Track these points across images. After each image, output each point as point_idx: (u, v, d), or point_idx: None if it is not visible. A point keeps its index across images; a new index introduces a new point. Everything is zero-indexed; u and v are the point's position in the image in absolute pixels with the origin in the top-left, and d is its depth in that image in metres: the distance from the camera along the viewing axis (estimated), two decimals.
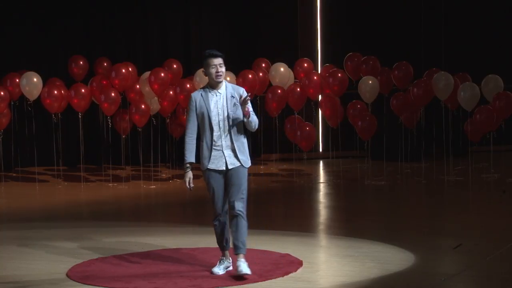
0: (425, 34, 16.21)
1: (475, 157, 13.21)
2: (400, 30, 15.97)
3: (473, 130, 12.41)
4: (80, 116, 12.86)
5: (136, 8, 15.26)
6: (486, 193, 11.64)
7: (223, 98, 6.56)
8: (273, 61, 13.25)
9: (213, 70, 6.54)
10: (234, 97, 6.57)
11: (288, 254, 7.35)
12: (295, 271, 6.80)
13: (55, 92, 12.51)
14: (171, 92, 12.67)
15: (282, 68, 13.08)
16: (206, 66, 6.57)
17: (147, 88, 12.67)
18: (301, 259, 7.17)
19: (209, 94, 6.56)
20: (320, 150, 15.99)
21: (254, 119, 6.56)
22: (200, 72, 12.63)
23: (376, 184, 12.36)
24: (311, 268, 6.94)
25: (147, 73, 12.74)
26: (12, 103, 12.78)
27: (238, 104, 6.53)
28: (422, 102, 12.62)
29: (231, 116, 6.53)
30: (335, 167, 14.36)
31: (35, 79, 12.54)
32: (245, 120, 6.53)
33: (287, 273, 6.71)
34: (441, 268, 6.97)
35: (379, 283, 6.46)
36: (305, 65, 13.47)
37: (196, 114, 6.56)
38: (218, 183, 6.61)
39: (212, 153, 6.56)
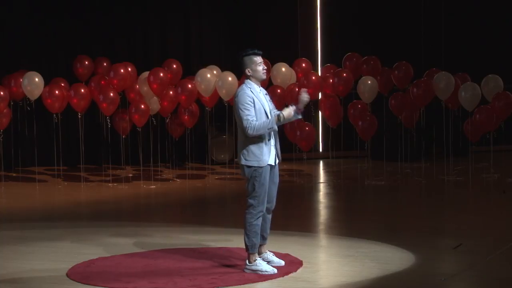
0: (425, 34, 16.22)
1: (475, 157, 13.21)
2: (400, 30, 15.97)
3: (473, 130, 12.41)
4: (80, 116, 12.86)
5: (136, 8, 15.25)
6: (486, 193, 11.64)
7: (264, 95, 6.82)
8: (272, 61, 13.24)
9: (260, 67, 6.74)
10: (267, 95, 6.90)
11: (288, 254, 7.35)
12: (295, 271, 6.80)
13: (56, 92, 12.52)
14: (171, 92, 12.68)
15: (283, 68, 13.07)
16: (252, 63, 6.70)
17: (146, 88, 12.68)
18: (301, 259, 7.18)
19: (256, 91, 6.70)
20: (320, 150, 15.99)
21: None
22: (202, 72, 12.63)
23: (376, 184, 12.36)
24: (311, 268, 6.94)
25: (145, 73, 12.75)
26: (12, 103, 12.78)
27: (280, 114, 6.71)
28: (422, 102, 12.62)
29: (273, 113, 6.75)
30: (335, 167, 14.36)
31: (36, 79, 12.53)
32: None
33: (287, 273, 6.71)
34: (441, 268, 6.97)
35: (379, 283, 6.46)
36: (304, 65, 13.47)
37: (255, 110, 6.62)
38: (269, 178, 6.74)
39: (270, 149, 6.69)
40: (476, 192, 11.69)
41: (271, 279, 6.57)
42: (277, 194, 6.97)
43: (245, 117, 6.55)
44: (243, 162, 6.67)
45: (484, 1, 16.30)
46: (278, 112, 6.72)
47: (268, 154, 6.67)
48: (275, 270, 6.70)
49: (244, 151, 6.65)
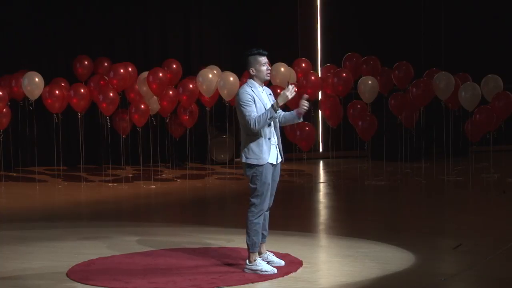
0: (425, 34, 16.22)
1: (475, 157, 13.21)
2: (400, 30, 15.97)
3: (473, 130, 12.41)
4: (80, 116, 12.86)
5: (136, 8, 15.25)
6: (486, 193, 11.64)
7: (267, 95, 6.82)
8: (272, 61, 13.22)
9: (264, 68, 6.77)
10: (271, 95, 6.88)
11: (288, 254, 7.34)
12: (295, 271, 6.80)
13: (56, 92, 12.52)
14: (170, 92, 12.68)
15: (282, 68, 13.06)
16: (256, 63, 6.74)
17: (145, 88, 12.68)
18: (301, 259, 7.18)
19: (258, 90, 6.73)
20: (320, 150, 15.99)
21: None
22: (203, 72, 12.63)
23: (376, 184, 12.36)
24: (311, 268, 6.94)
25: (145, 73, 12.75)
26: (9, 103, 12.76)
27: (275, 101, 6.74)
28: (422, 102, 12.62)
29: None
30: (335, 167, 14.36)
31: (36, 79, 12.53)
32: (299, 120, 6.87)
33: (287, 273, 6.71)
34: (441, 268, 6.97)
35: (379, 283, 6.46)
36: (303, 65, 13.47)
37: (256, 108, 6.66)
38: (271, 177, 6.77)
39: (270, 147, 6.70)
40: (476, 192, 11.69)
41: (271, 279, 6.57)
42: (277, 194, 6.98)
43: (247, 114, 6.57)
44: (243, 160, 6.69)
45: (484, 1, 16.31)
46: (273, 101, 6.73)
47: (268, 153, 6.68)
48: (275, 270, 6.70)
49: (245, 149, 6.67)
